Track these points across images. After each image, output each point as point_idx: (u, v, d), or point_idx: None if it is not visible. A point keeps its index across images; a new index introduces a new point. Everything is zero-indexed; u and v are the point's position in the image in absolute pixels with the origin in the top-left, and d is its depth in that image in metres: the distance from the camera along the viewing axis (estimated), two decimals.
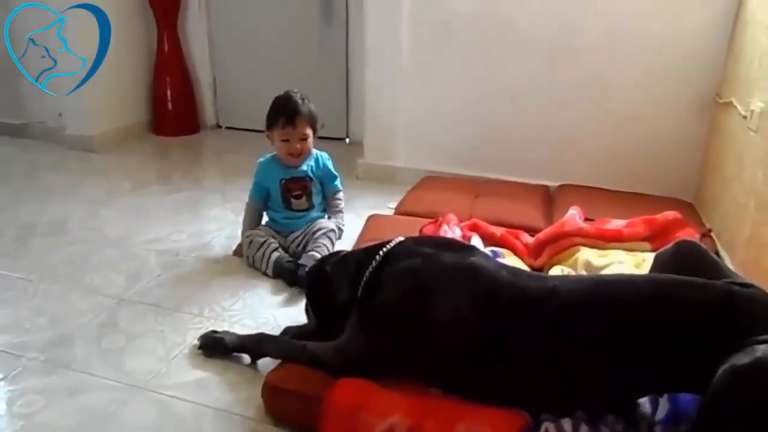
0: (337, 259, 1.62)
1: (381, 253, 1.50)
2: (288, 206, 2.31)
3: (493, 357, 1.34)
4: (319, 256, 2.14)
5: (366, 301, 1.47)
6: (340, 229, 2.34)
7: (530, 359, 1.31)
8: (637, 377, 1.25)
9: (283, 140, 2.25)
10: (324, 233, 2.25)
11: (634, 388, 1.27)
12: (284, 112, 2.22)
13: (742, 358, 1.09)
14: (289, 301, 2.03)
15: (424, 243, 1.54)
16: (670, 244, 1.52)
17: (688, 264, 1.40)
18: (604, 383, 1.26)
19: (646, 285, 1.36)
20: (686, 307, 1.23)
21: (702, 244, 1.52)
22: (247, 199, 2.37)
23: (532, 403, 1.32)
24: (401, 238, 1.55)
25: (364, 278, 1.48)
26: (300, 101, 2.24)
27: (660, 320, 1.23)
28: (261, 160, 2.35)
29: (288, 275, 2.10)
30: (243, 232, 2.32)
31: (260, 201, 2.34)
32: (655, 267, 1.52)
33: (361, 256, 1.56)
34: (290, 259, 2.17)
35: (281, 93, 2.29)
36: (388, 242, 1.54)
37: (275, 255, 2.17)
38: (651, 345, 1.22)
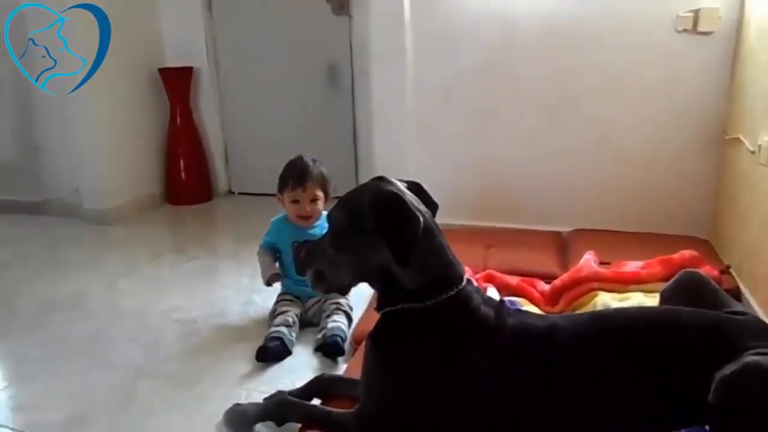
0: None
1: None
2: (301, 273, 2.29)
3: (510, 405, 1.31)
4: (342, 326, 2.11)
5: (390, 350, 1.41)
6: (350, 307, 2.26)
7: (543, 398, 1.29)
8: (647, 405, 1.25)
9: (293, 201, 2.26)
10: (336, 308, 2.19)
11: (646, 418, 1.26)
12: (294, 174, 2.24)
13: (731, 367, 1.14)
14: (309, 366, 2.00)
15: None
16: (672, 279, 1.57)
17: (690, 294, 1.46)
18: (615, 417, 1.26)
19: (642, 314, 1.41)
20: (681, 331, 1.28)
21: (702, 274, 1.57)
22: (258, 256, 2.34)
23: None
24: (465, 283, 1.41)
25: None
26: (311, 163, 2.26)
27: (658, 345, 1.26)
28: (274, 219, 2.36)
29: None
30: (264, 274, 2.27)
31: (270, 252, 2.32)
32: (662, 302, 1.56)
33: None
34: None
35: (293, 157, 2.30)
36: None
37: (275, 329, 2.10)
38: (653, 370, 1.24)
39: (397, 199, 1.34)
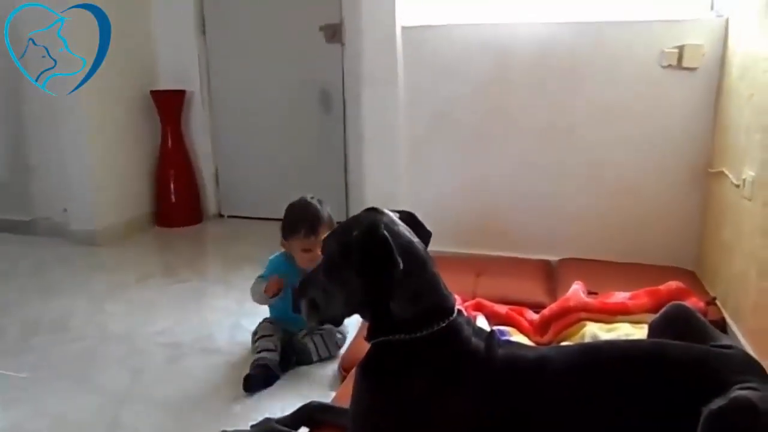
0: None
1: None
2: (298, 310, 2.24)
3: None
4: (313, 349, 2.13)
5: (380, 381, 1.39)
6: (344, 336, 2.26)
7: (532, 429, 1.30)
8: None
9: (304, 250, 2.15)
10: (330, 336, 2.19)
11: None
12: (306, 221, 2.13)
13: (718, 402, 1.15)
14: (297, 394, 1.98)
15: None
16: (660, 312, 1.58)
17: (678, 327, 1.47)
18: None
19: (629, 347, 1.42)
20: (669, 365, 1.28)
21: (690, 307, 1.59)
22: (252, 284, 2.27)
23: None
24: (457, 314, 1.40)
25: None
26: (319, 207, 2.18)
27: (646, 378, 1.27)
28: (272, 257, 2.28)
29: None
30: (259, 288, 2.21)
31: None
32: (649, 334, 1.57)
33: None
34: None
35: (295, 200, 2.20)
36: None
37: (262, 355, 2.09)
38: (640, 403, 1.25)
39: (380, 242, 1.31)
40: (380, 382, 1.39)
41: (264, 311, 2.33)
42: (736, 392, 1.16)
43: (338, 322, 1.54)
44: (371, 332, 1.41)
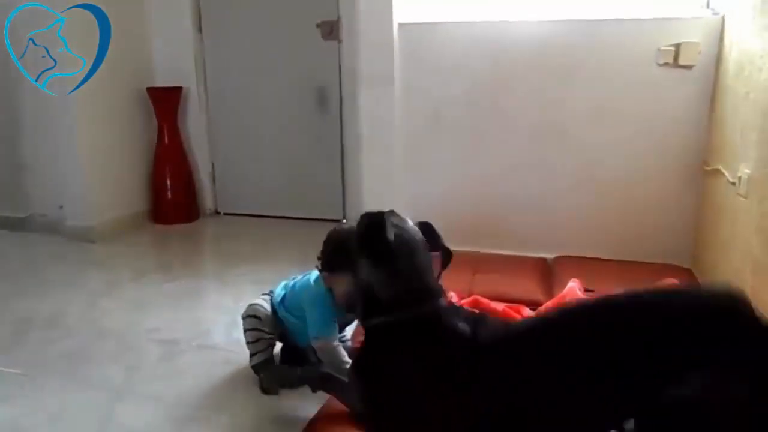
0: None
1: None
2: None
3: (489, 417, 1.31)
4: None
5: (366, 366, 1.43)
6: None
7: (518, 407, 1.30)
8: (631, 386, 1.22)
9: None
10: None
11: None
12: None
13: (671, 390, 1.13)
14: (293, 391, 1.98)
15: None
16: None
17: None
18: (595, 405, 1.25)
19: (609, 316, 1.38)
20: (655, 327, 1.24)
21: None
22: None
23: None
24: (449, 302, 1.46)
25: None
26: None
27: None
28: (317, 282, 2.00)
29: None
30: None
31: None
32: None
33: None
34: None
35: (342, 228, 1.99)
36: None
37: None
38: (626, 370, 1.22)
39: (378, 221, 1.41)
40: (366, 365, 1.43)
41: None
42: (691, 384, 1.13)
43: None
44: (362, 317, 1.45)
